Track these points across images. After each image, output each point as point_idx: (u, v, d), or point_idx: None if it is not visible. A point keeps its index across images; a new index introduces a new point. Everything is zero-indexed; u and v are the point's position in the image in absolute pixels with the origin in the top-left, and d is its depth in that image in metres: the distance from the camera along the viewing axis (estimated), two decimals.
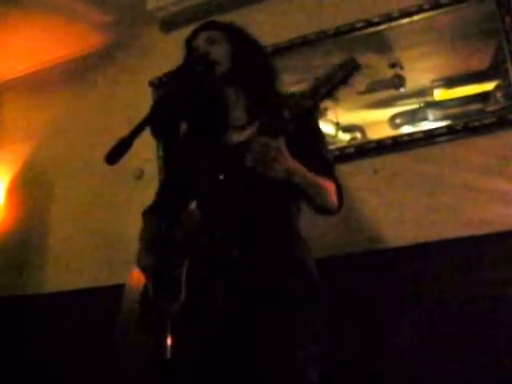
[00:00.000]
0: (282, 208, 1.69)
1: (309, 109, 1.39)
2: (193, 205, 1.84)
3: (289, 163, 1.47)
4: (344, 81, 1.39)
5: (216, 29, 1.81)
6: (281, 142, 1.42)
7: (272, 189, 1.56)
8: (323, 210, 1.66)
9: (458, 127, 2.57)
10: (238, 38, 1.80)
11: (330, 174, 1.66)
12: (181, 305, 1.52)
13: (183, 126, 1.81)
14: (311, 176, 1.56)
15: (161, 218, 1.74)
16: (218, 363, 1.58)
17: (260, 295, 1.57)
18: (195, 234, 1.59)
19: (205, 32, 1.80)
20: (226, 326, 1.54)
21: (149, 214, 1.88)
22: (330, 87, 1.38)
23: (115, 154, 1.42)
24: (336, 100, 1.41)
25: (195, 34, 1.82)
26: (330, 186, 1.63)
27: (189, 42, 1.81)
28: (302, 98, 1.39)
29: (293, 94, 1.64)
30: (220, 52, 1.74)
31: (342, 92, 2.81)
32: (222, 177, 1.69)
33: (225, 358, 1.58)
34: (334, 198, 1.65)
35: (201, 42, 1.78)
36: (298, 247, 1.70)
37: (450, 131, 2.59)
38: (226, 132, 1.78)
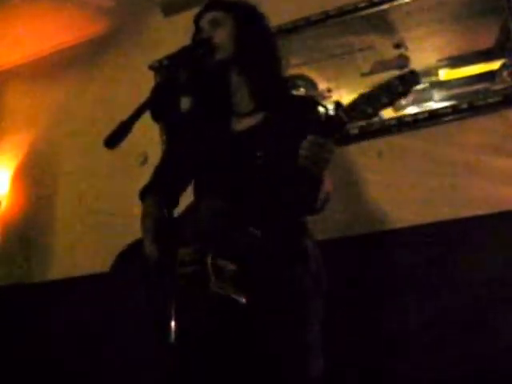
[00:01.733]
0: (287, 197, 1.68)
1: (368, 115, 1.40)
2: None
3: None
4: (405, 93, 1.40)
5: (222, 9, 1.78)
6: (332, 143, 1.43)
7: (277, 178, 1.55)
8: (312, 207, 1.64)
9: (463, 107, 2.55)
10: (244, 19, 1.78)
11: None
12: (213, 294, 1.50)
13: (184, 110, 1.80)
14: (330, 181, 1.59)
15: (160, 201, 1.74)
16: (221, 355, 1.57)
17: (263, 286, 1.56)
18: (220, 223, 1.58)
19: (210, 12, 1.78)
20: (230, 317, 1.54)
21: (147, 195, 1.87)
22: (391, 98, 1.39)
23: (115, 138, 1.42)
24: (395, 108, 1.45)
25: (201, 13, 1.80)
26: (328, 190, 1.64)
27: (196, 22, 1.80)
28: (360, 103, 1.39)
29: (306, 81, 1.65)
30: (223, 35, 1.72)
31: (346, 73, 2.82)
32: (226, 163, 1.69)
33: (228, 350, 1.57)
34: (323, 200, 1.64)
35: (205, 23, 1.76)
36: (302, 237, 1.70)
37: (454, 111, 2.56)
38: (229, 118, 1.77)
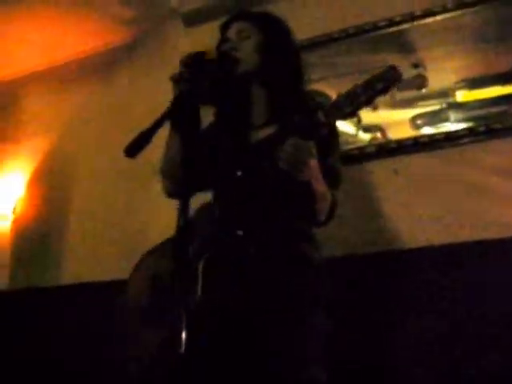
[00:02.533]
0: (294, 206, 1.67)
1: (347, 115, 1.39)
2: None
3: (315, 168, 1.48)
4: (384, 90, 1.38)
5: (249, 20, 1.80)
6: (312, 146, 1.43)
7: (286, 188, 1.56)
8: (311, 216, 1.65)
9: (481, 129, 2.54)
10: (271, 32, 1.79)
11: (332, 185, 1.66)
12: (197, 299, 1.52)
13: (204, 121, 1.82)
14: (324, 184, 1.57)
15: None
16: (221, 355, 1.57)
17: (266, 291, 1.57)
18: (214, 229, 1.59)
19: (239, 22, 1.79)
20: (234, 323, 1.55)
21: None
22: (369, 96, 1.37)
23: (135, 147, 1.43)
24: (374, 107, 1.42)
25: (228, 23, 1.81)
26: (329, 199, 1.64)
27: (222, 31, 1.81)
28: (339, 103, 1.39)
29: (323, 97, 1.66)
30: (249, 47, 1.74)
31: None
32: (239, 173, 1.70)
33: (231, 354, 1.57)
34: (325, 211, 1.65)
35: (232, 34, 1.78)
36: (303, 245, 1.70)
37: (471, 133, 2.56)
38: (247, 129, 1.78)
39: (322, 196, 1.59)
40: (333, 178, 1.67)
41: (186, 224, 1.59)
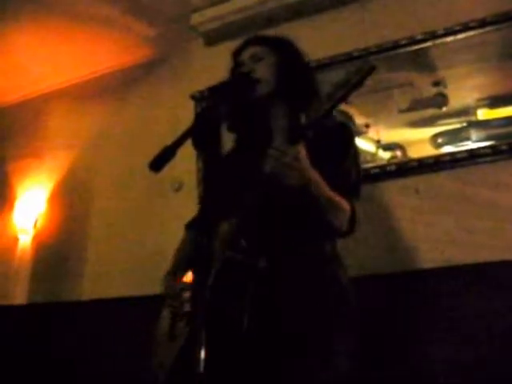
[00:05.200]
0: (313, 227, 1.63)
1: (325, 112, 1.40)
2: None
3: (306, 171, 1.46)
4: (359, 83, 1.41)
5: (262, 44, 1.80)
6: (299, 149, 1.42)
7: (302, 209, 1.55)
8: (330, 227, 1.60)
9: (503, 148, 2.51)
10: (284, 55, 1.79)
11: (349, 194, 1.61)
12: (206, 311, 1.51)
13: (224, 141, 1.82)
14: (327, 189, 1.53)
15: (200, 234, 1.75)
16: (241, 379, 1.54)
17: (286, 312, 1.54)
18: (225, 244, 1.59)
19: (251, 47, 1.80)
20: (251, 340, 1.51)
21: (190, 228, 1.91)
22: (346, 90, 1.39)
23: (159, 162, 1.44)
24: (349, 102, 1.46)
25: (241, 48, 1.82)
26: (344, 206, 1.59)
27: (235, 57, 1.82)
28: (318, 103, 1.41)
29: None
30: (265, 69, 1.73)
31: (384, 109, 2.81)
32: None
33: (248, 374, 1.53)
34: (344, 219, 1.60)
35: (246, 57, 1.78)
36: (331, 265, 1.66)
37: (494, 152, 2.53)
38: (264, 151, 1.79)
39: (330, 201, 1.54)
40: (347, 186, 1.63)
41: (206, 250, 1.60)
